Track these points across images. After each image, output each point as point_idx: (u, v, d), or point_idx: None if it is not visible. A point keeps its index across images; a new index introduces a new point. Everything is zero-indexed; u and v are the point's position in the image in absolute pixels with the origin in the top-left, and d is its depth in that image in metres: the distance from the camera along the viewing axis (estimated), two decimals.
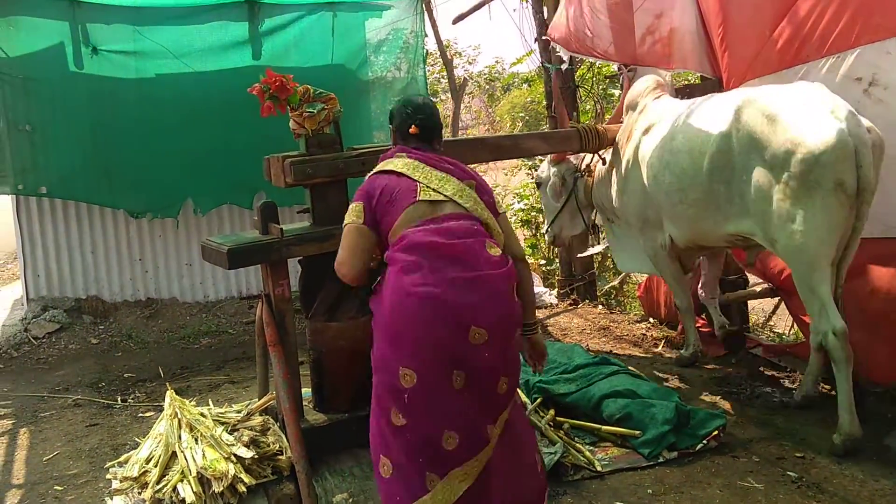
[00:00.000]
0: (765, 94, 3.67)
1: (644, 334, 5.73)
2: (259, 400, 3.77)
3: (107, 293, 6.99)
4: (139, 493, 3.31)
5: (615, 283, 7.31)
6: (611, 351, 5.36)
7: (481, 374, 2.44)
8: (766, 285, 4.98)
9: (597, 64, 7.01)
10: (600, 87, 7.58)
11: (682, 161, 4.00)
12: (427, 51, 8.02)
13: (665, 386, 4.38)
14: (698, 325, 5.21)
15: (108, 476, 3.65)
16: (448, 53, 10.43)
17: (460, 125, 12.15)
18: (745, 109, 3.65)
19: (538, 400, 4.09)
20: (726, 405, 4.21)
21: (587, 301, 6.87)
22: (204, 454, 3.28)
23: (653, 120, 4.45)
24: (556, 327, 6.17)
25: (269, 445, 3.41)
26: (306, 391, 3.80)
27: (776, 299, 5.64)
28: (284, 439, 3.39)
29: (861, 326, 3.82)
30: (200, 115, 6.63)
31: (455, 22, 8.11)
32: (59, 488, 3.72)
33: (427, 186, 2.60)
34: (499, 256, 2.54)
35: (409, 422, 2.41)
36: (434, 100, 12.13)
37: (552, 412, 3.99)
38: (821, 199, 3.34)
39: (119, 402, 4.93)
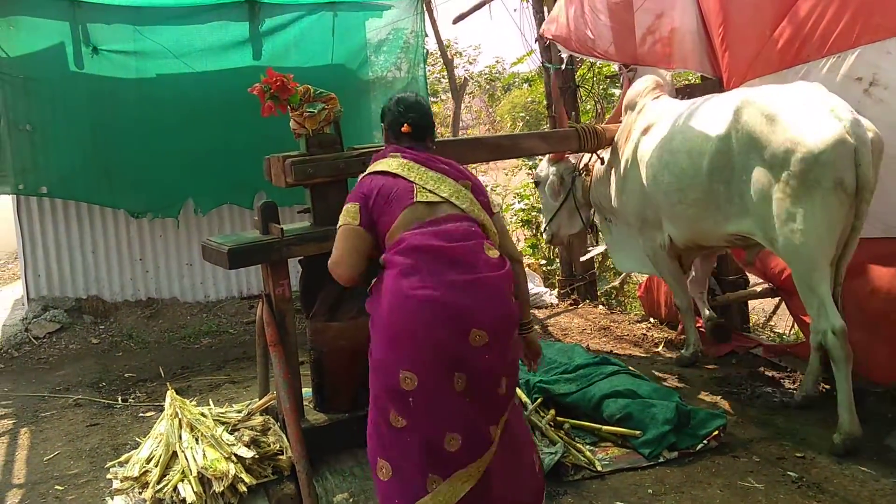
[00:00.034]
0: (764, 95, 3.68)
1: (644, 334, 5.73)
2: (259, 400, 3.77)
3: (107, 293, 7.00)
4: (140, 493, 3.31)
5: (616, 283, 7.31)
6: (611, 351, 5.36)
7: (482, 375, 2.44)
8: (766, 285, 4.98)
9: (597, 64, 7.01)
10: (601, 86, 7.57)
11: (681, 161, 4.01)
12: (427, 51, 8.02)
13: (665, 386, 4.38)
14: (698, 325, 5.21)
15: (109, 476, 3.65)
16: (448, 53, 10.43)
17: (461, 125, 12.15)
18: (744, 109, 3.66)
19: (539, 400, 4.09)
20: (727, 405, 4.21)
21: (588, 301, 6.87)
22: (204, 454, 3.28)
23: (652, 120, 4.45)
24: (556, 327, 6.17)
25: (269, 445, 3.41)
26: (307, 391, 3.80)
27: (777, 299, 5.64)
28: (285, 439, 3.39)
29: (861, 326, 3.82)
30: (201, 114, 6.63)
31: (455, 22, 8.12)
32: (60, 488, 3.72)
33: (423, 188, 2.58)
34: (497, 258, 2.55)
35: (409, 424, 2.41)
36: (434, 100, 12.19)
37: (553, 412, 3.99)
38: (820, 198, 3.35)
39: (120, 401, 4.93)
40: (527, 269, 7.46)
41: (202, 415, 3.64)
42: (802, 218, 3.40)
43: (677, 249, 4.47)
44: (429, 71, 10.23)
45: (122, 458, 3.72)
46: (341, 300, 3.53)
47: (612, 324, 6.09)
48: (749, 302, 5.59)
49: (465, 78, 13.08)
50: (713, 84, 4.85)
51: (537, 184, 5.59)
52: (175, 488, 3.19)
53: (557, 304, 6.88)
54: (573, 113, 6.50)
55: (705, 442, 3.66)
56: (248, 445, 3.34)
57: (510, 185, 10.82)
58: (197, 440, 3.40)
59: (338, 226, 2.64)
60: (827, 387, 4.07)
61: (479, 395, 2.44)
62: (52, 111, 6.38)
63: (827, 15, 3.96)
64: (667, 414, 3.69)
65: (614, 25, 5.30)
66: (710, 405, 4.19)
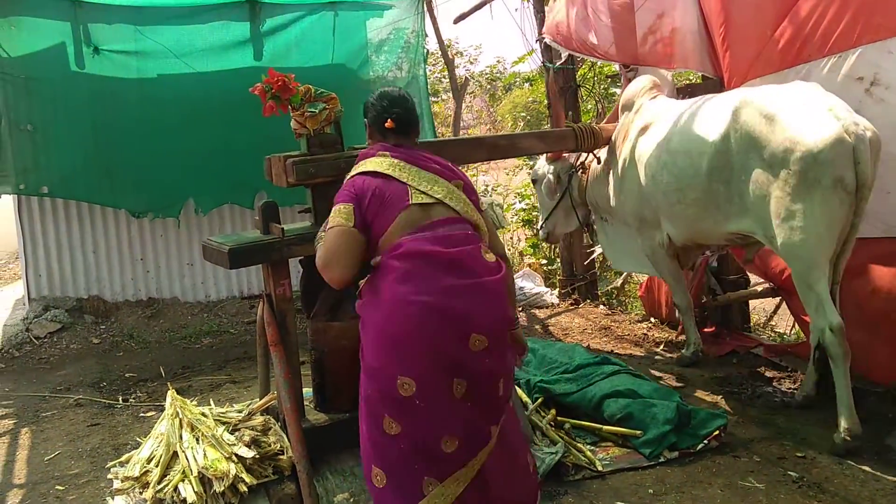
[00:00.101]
0: (762, 94, 3.70)
1: (645, 334, 5.73)
2: (260, 400, 3.77)
3: (108, 293, 7.00)
4: (140, 493, 3.31)
5: (617, 283, 7.30)
6: (612, 351, 5.36)
7: (482, 379, 2.44)
8: (767, 285, 4.98)
9: (598, 63, 7.01)
10: (602, 86, 7.57)
11: (680, 161, 4.02)
12: (428, 50, 8.02)
13: (666, 386, 4.38)
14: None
15: (110, 476, 3.65)
16: (449, 53, 10.42)
17: (462, 125, 12.15)
18: (742, 110, 3.67)
19: (539, 400, 4.09)
20: (727, 405, 4.21)
21: (588, 301, 6.87)
22: (205, 454, 3.28)
23: (649, 120, 4.46)
24: (557, 327, 6.17)
25: (270, 445, 3.41)
26: (307, 391, 3.80)
27: (777, 299, 5.64)
28: (286, 439, 3.39)
29: (862, 326, 3.83)
30: (202, 114, 6.63)
31: (456, 21, 8.11)
32: (61, 488, 3.72)
33: (417, 189, 2.54)
34: (494, 262, 2.55)
35: (404, 430, 2.40)
36: (435, 99, 12.17)
37: (553, 412, 3.99)
38: (820, 196, 3.37)
39: (120, 401, 4.94)
40: (528, 269, 7.55)
41: (203, 415, 3.64)
42: (802, 216, 3.42)
43: (676, 248, 4.48)
44: (429, 71, 10.23)
45: (123, 458, 3.72)
46: (342, 300, 3.53)
47: (612, 323, 6.09)
48: (750, 301, 5.59)
49: (465, 78, 13.07)
50: (714, 84, 4.85)
51: (534, 182, 5.63)
52: (176, 488, 3.19)
53: (558, 304, 6.88)
54: (570, 113, 6.49)
55: (706, 442, 3.66)
56: (248, 445, 3.34)
57: (511, 184, 10.82)
58: (198, 440, 3.40)
59: (329, 226, 2.54)
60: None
61: (479, 398, 2.44)
62: (53, 111, 6.39)
63: (828, 15, 3.97)
64: (667, 414, 3.70)
65: (615, 26, 5.30)
66: (710, 405, 4.19)
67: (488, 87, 17.17)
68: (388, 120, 2.69)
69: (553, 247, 7.85)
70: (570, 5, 5.61)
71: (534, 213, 8.49)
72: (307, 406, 3.67)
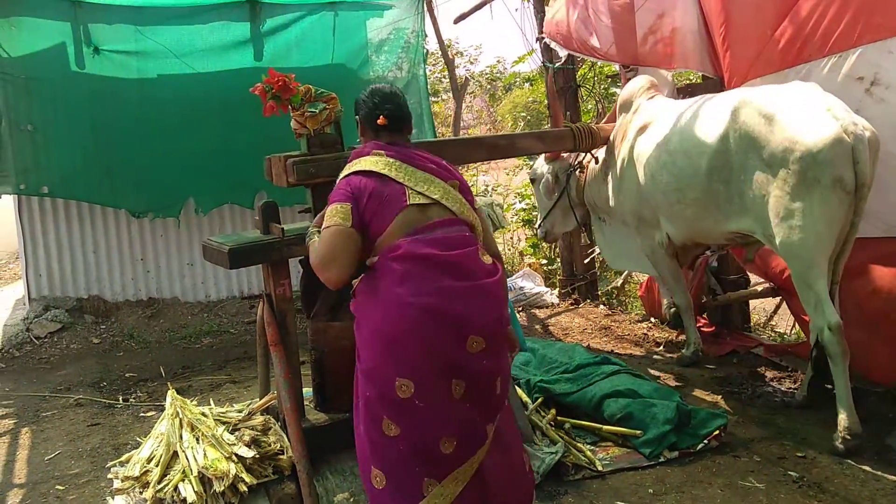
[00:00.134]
0: (761, 95, 3.72)
1: (645, 334, 5.73)
2: (260, 399, 3.77)
3: (108, 293, 7.00)
4: (140, 493, 3.31)
5: (617, 282, 7.30)
6: (612, 350, 5.36)
7: (480, 380, 2.45)
8: (767, 285, 4.98)
9: (598, 63, 7.01)
10: (601, 86, 7.57)
11: (679, 161, 4.03)
12: (428, 50, 8.03)
13: (666, 385, 4.38)
14: (699, 324, 5.22)
15: (110, 475, 3.66)
16: (449, 53, 10.42)
17: (462, 125, 12.15)
18: (741, 110, 3.68)
19: (539, 399, 4.09)
20: (727, 405, 4.21)
21: (588, 301, 6.87)
22: (205, 454, 3.28)
23: (647, 119, 4.47)
24: (557, 327, 6.17)
25: (270, 445, 3.41)
26: (308, 391, 3.80)
27: (777, 299, 5.64)
28: (286, 439, 3.39)
29: (862, 326, 3.83)
30: (202, 114, 6.64)
31: (456, 21, 8.11)
32: (61, 488, 3.72)
33: (414, 190, 2.52)
34: (491, 264, 2.55)
35: (403, 431, 2.40)
36: (435, 99, 12.16)
37: (553, 412, 3.99)
38: (819, 195, 3.38)
39: (120, 401, 4.94)
40: (528, 269, 7.55)
41: (203, 414, 3.64)
42: (801, 215, 3.43)
43: (675, 247, 4.49)
44: (430, 71, 10.23)
45: (123, 458, 3.73)
46: (343, 300, 3.52)
47: (612, 323, 6.09)
48: (750, 301, 5.59)
49: (466, 78, 13.06)
50: (715, 84, 4.85)
51: (533, 181, 5.65)
52: (176, 488, 3.19)
53: (558, 304, 6.88)
54: (568, 113, 6.49)
55: (706, 442, 3.66)
56: (248, 445, 3.34)
57: (511, 184, 10.82)
58: (198, 440, 3.40)
59: (325, 225, 2.49)
60: (829, 386, 4.07)
61: (477, 398, 2.45)
62: (53, 111, 6.39)
63: (828, 15, 3.97)
64: (667, 413, 3.70)
65: (616, 26, 5.31)
66: (710, 405, 4.19)
67: (488, 87, 17.16)
68: (381, 117, 2.66)
69: (553, 246, 7.86)
70: (570, 6, 5.61)
71: (534, 213, 8.48)
72: (307, 406, 3.67)
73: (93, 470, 3.90)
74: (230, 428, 3.51)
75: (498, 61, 17.67)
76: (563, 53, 6.00)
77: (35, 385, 5.42)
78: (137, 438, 4.08)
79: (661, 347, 5.39)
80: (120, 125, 6.53)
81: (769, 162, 3.52)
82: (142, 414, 4.70)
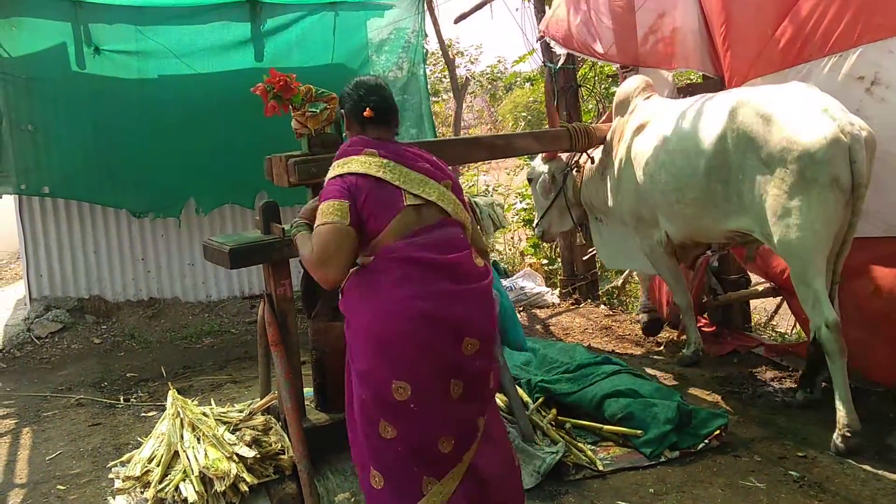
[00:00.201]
0: (759, 95, 3.74)
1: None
2: (261, 399, 3.78)
3: (109, 293, 7.01)
4: (141, 493, 3.32)
5: (617, 282, 7.30)
6: (613, 350, 5.36)
7: (476, 379, 2.48)
8: (768, 285, 4.98)
9: (598, 63, 7.01)
10: (602, 86, 7.57)
11: (678, 161, 4.04)
12: (428, 50, 8.03)
13: (667, 385, 4.38)
14: (700, 324, 5.22)
15: (111, 475, 3.67)
16: (450, 53, 10.42)
17: (462, 125, 12.13)
18: (739, 110, 3.71)
19: (540, 399, 4.09)
20: (728, 405, 4.21)
21: (589, 300, 6.87)
22: (206, 453, 3.29)
23: (645, 119, 4.48)
24: (558, 327, 6.17)
25: (271, 445, 3.41)
26: (308, 391, 3.80)
27: (778, 299, 5.63)
28: (286, 439, 3.40)
29: (862, 326, 3.84)
30: (202, 114, 6.65)
31: (457, 21, 8.11)
32: (62, 487, 3.73)
33: (410, 193, 2.48)
34: (483, 267, 2.56)
35: (400, 433, 2.40)
36: (436, 99, 12.16)
37: (554, 411, 4.00)
38: (816, 194, 3.41)
39: (121, 401, 4.94)
40: (529, 269, 7.55)
41: (204, 414, 3.64)
42: (799, 214, 3.45)
43: (674, 246, 4.50)
44: (430, 70, 10.23)
45: (124, 458, 3.73)
46: None
47: (613, 323, 6.09)
48: (751, 301, 5.59)
49: (466, 77, 13.05)
50: (715, 83, 4.86)
51: (530, 181, 5.66)
52: (177, 488, 3.19)
53: (559, 304, 6.88)
54: (566, 113, 6.50)
55: (707, 441, 3.66)
56: (249, 445, 3.34)
57: (512, 184, 10.81)
58: (198, 440, 3.40)
59: (319, 223, 2.41)
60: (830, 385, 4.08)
61: (472, 396, 2.47)
62: (54, 111, 6.40)
63: (828, 14, 3.97)
64: (668, 413, 3.70)
65: (616, 27, 5.31)
66: (711, 405, 4.19)
67: (489, 86, 17.17)
68: (367, 109, 2.59)
69: (554, 246, 7.86)
70: (571, 6, 5.61)
71: (534, 213, 8.48)
72: (308, 406, 3.67)
73: (94, 470, 3.90)
74: (231, 428, 3.51)
75: (499, 61, 17.70)
76: (562, 52, 6.01)
77: (36, 385, 5.42)
78: (138, 438, 4.08)
79: (662, 347, 5.39)
80: (121, 125, 6.54)
81: (767, 161, 3.55)
82: (143, 414, 4.70)
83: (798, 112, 3.50)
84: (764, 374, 4.64)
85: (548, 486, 3.37)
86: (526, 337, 5.25)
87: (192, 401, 4.04)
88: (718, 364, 4.89)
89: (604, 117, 5.25)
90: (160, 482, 3.25)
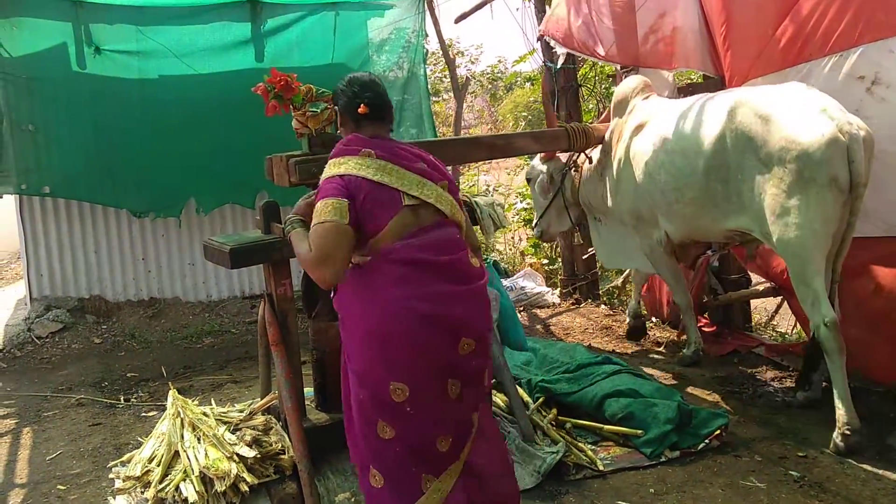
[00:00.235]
0: (757, 95, 3.76)
1: (646, 334, 5.73)
2: (261, 399, 3.78)
3: (110, 293, 7.01)
4: (142, 493, 3.32)
5: (617, 282, 7.30)
6: (613, 350, 5.36)
7: (472, 377, 2.49)
8: (768, 285, 4.98)
9: (599, 63, 7.01)
10: (603, 86, 7.57)
11: (677, 161, 4.06)
12: (429, 50, 8.03)
13: (667, 385, 4.38)
14: (700, 324, 5.22)
15: (111, 475, 3.67)
16: (450, 53, 10.42)
17: (463, 124, 12.13)
18: (738, 110, 3.73)
19: (540, 399, 4.09)
20: (728, 404, 4.21)
21: (589, 300, 6.87)
22: (206, 453, 3.29)
23: (643, 119, 4.48)
24: (558, 326, 6.17)
25: (271, 445, 3.41)
26: (309, 391, 3.80)
27: (779, 299, 5.63)
28: (287, 439, 3.40)
29: (863, 326, 3.84)
30: (203, 114, 6.65)
31: (457, 21, 8.11)
32: (62, 487, 3.73)
33: (407, 194, 2.46)
34: (478, 268, 2.57)
35: (399, 434, 2.40)
36: (436, 99, 12.16)
37: (554, 411, 4.00)
38: (815, 193, 3.42)
39: (122, 401, 4.94)
40: (529, 269, 7.55)
41: (204, 414, 3.65)
42: (797, 213, 3.47)
43: (674, 246, 4.52)
44: (430, 70, 10.22)
45: (125, 458, 3.73)
46: None
47: (614, 323, 6.09)
48: (751, 301, 5.59)
49: (467, 77, 13.05)
50: (716, 83, 4.86)
51: (529, 181, 5.67)
52: (177, 488, 3.20)
53: (559, 304, 6.88)
54: (562, 113, 6.50)
55: (707, 441, 3.66)
56: (249, 445, 3.34)
57: (512, 184, 10.82)
58: (199, 440, 3.40)
59: (317, 222, 2.36)
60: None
61: (469, 394, 2.49)
62: (54, 111, 6.40)
63: (829, 13, 3.97)
64: (668, 413, 3.70)
65: (617, 28, 5.31)
66: (711, 404, 4.19)
67: (489, 86, 17.17)
68: (361, 105, 2.56)
69: (554, 246, 7.86)
70: (572, 6, 5.61)
71: (534, 213, 8.48)
72: (308, 406, 3.67)
73: (94, 470, 3.90)
74: (231, 428, 3.52)
75: (499, 61, 17.69)
76: (562, 52, 6.01)
77: (36, 385, 5.42)
78: (139, 438, 4.08)
79: (663, 347, 5.39)
80: (121, 125, 6.53)
81: (766, 161, 3.57)
82: (143, 414, 4.70)
83: (797, 112, 3.52)
84: (764, 374, 4.64)
85: (548, 485, 3.37)
86: (526, 337, 5.27)
87: (193, 401, 4.04)
88: (719, 364, 4.89)
89: (602, 117, 5.25)
90: (160, 482, 3.26)
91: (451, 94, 10.72)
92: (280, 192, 4.20)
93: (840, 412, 3.50)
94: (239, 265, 3.49)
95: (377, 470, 2.45)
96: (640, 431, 3.70)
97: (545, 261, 8.12)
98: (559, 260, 7.60)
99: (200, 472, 3.20)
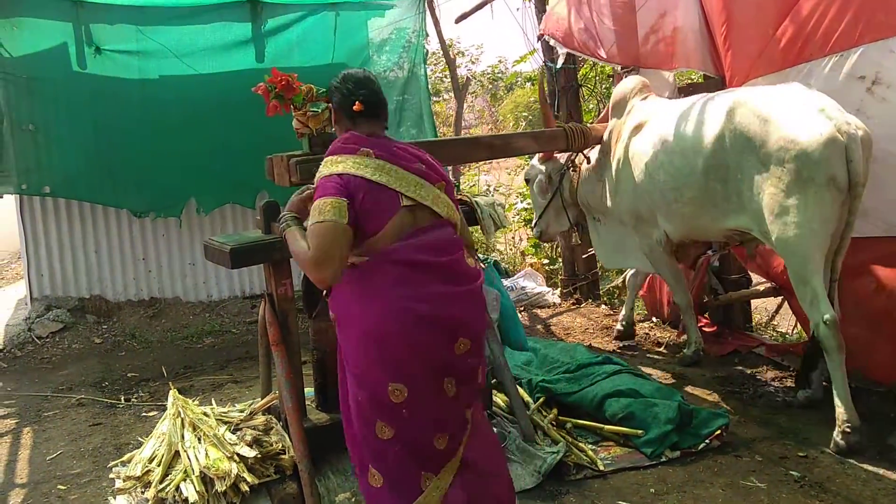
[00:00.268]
0: (756, 95, 3.78)
1: (647, 334, 5.73)
2: (262, 399, 3.78)
3: (110, 293, 7.01)
4: (142, 493, 3.32)
5: (618, 282, 7.30)
6: (613, 350, 5.36)
7: (467, 376, 2.51)
8: (769, 285, 4.98)
9: (599, 63, 7.01)
10: (603, 85, 7.57)
11: (676, 161, 4.07)
12: (429, 50, 8.03)
13: (667, 385, 4.38)
14: (701, 324, 5.22)
15: (112, 475, 3.67)
16: (451, 53, 10.42)
17: (463, 124, 12.14)
18: (737, 110, 3.75)
19: (541, 399, 4.10)
20: (729, 404, 4.21)
21: (590, 300, 6.87)
22: (207, 453, 3.29)
23: (642, 119, 4.49)
24: (559, 326, 6.17)
25: (271, 445, 3.41)
26: (309, 391, 3.80)
27: (779, 299, 5.63)
28: (287, 439, 3.40)
29: (863, 325, 3.84)
30: (203, 115, 6.65)
31: (458, 21, 8.11)
32: (63, 487, 3.73)
33: (405, 195, 2.45)
34: (474, 268, 2.57)
35: (397, 434, 2.41)
36: (437, 99, 12.17)
37: (555, 411, 4.00)
38: (813, 193, 3.44)
39: (122, 401, 4.94)
40: (530, 269, 7.54)
41: (204, 414, 3.65)
42: (796, 212, 3.49)
43: (673, 245, 4.53)
44: (431, 70, 10.21)
45: (125, 458, 3.74)
46: None
47: (614, 323, 6.07)
48: (752, 301, 5.59)
49: (467, 77, 13.06)
50: (716, 83, 4.86)
51: (528, 181, 5.68)
52: (177, 488, 3.20)
53: (560, 304, 6.88)
54: (566, 112, 6.50)
55: (707, 441, 3.66)
56: (250, 445, 3.34)
57: (513, 184, 10.82)
58: (199, 440, 3.40)
59: (316, 220, 2.32)
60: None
61: (464, 392, 2.50)
62: (55, 111, 6.40)
63: (829, 13, 3.97)
64: (669, 413, 3.69)
65: (618, 29, 5.31)
66: (712, 404, 4.19)
67: (490, 86, 17.17)
68: (357, 102, 2.53)
69: (555, 246, 7.86)
70: (572, 7, 5.61)
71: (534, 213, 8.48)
72: (309, 406, 3.67)
73: (94, 470, 3.90)
74: (232, 428, 3.52)
75: (499, 61, 17.70)
76: (563, 52, 6.01)
77: (37, 385, 5.42)
78: (139, 438, 4.08)
79: (663, 347, 5.39)
80: (122, 125, 6.53)
81: (765, 161, 3.58)
82: (143, 414, 4.70)
83: (795, 112, 3.54)
84: (765, 374, 4.64)
85: (549, 485, 3.37)
86: (527, 337, 5.27)
87: (193, 401, 4.04)
88: (719, 364, 4.89)
89: (599, 117, 5.26)
90: (161, 482, 3.26)
91: (452, 94, 10.73)
92: (281, 191, 4.18)
93: (840, 410, 3.51)
94: (239, 265, 3.49)
95: (376, 470, 2.45)
96: (640, 431, 3.70)
97: (546, 261, 8.12)
98: (560, 260, 7.60)
99: (201, 471, 3.20)
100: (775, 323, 6.07)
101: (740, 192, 3.76)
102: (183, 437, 3.45)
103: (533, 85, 11.35)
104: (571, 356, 4.64)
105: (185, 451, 3.36)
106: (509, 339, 5.03)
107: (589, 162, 5.02)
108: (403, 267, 2.41)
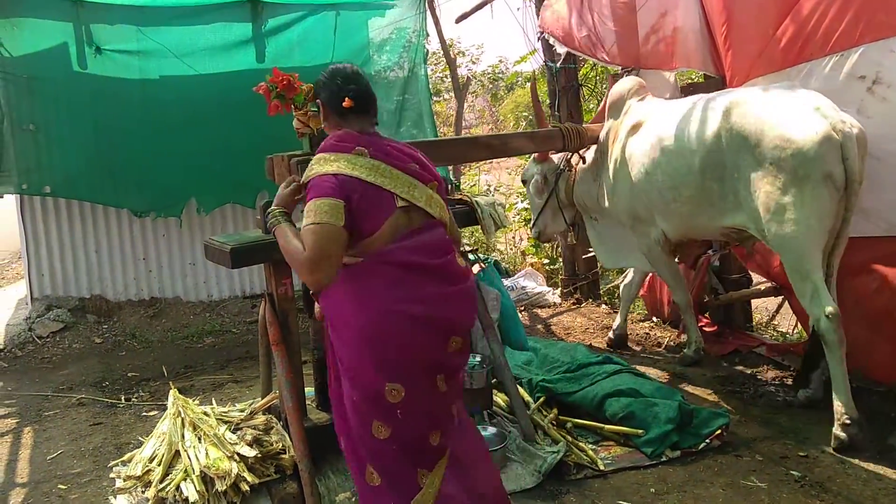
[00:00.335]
0: (752, 95, 3.80)
1: (647, 333, 5.73)
2: (262, 399, 3.78)
3: (111, 292, 7.01)
4: (142, 492, 3.32)
5: (618, 281, 7.30)
6: (614, 350, 5.36)
7: (455, 372, 2.55)
8: (769, 284, 4.98)
9: (599, 63, 7.01)
10: (604, 85, 7.56)
11: (673, 161, 4.09)
12: (429, 50, 8.02)
13: (668, 385, 4.38)
14: (701, 323, 5.22)
15: (112, 475, 3.67)
16: (451, 52, 10.42)
17: (464, 124, 12.13)
18: (733, 110, 3.77)
19: (541, 399, 4.10)
20: (729, 404, 4.21)
21: (590, 300, 6.87)
22: (207, 453, 3.29)
23: (639, 119, 4.50)
24: (559, 326, 6.17)
25: (272, 444, 3.42)
26: (309, 390, 3.80)
27: (779, 298, 5.63)
28: (287, 438, 3.40)
29: (864, 325, 3.83)
30: (203, 114, 6.65)
31: (458, 21, 8.10)
32: (63, 487, 3.73)
33: (400, 197, 2.43)
34: (465, 268, 2.58)
35: (394, 433, 2.41)
36: (437, 99, 12.17)
37: (555, 411, 4.00)
38: (810, 190, 3.47)
39: (123, 401, 4.94)
40: (530, 268, 7.54)
41: (205, 414, 3.65)
42: (793, 209, 3.51)
43: (671, 244, 4.53)
44: (431, 70, 10.22)
45: (125, 457, 3.74)
46: None
47: (614, 323, 6.08)
48: (752, 301, 5.59)
49: (467, 77, 13.06)
50: (716, 83, 4.86)
51: (524, 182, 5.68)
52: (178, 487, 3.20)
53: (560, 303, 6.88)
54: (567, 112, 6.49)
55: (708, 441, 3.66)
56: (250, 444, 3.34)
57: (513, 184, 10.82)
58: (199, 439, 3.41)
59: (312, 222, 2.28)
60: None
61: (452, 388, 2.54)
62: (55, 111, 6.40)
63: (830, 13, 3.97)
64: (669, 413, 3.70)
65: (618, 29, 5.32)
66: (712, 404, 4.19)
67: (490, 86, 17.17)
68: (346, 98, 2.51)
69: (555, 246, 7.86)
70: (572, 7, 5.61)
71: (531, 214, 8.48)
72: (309, 405, 3.68)
73: (95, 469, 3.91)
74: (232, 427, 3.52)
75: (500, 61, 17.68)
76: (562, 50, 6.02)
77: (37, 384, 5.42)
78: (139, 438, 4.09)
79: (663, 347, 5.39)
80: (122, 125, 6.53)
81: (761, 159, 3.61)
82: (144, 413, 4.70)
83: (791, 111, 3.57)
84: (765, 374, 4.64)
85: (549, 485, 3.38)
86: (527, 336, 5.27)
87: (194, 400, 4.05)
88: (720, 364, 4.90)
89: (594, 117, 5.26)
90: (161, 481, 3.26)
91: (452, 93, 10.74)
92: None
93: (838, 404, 3.52)
94: (240, 265, 3.49)
95: (374, 468, 2.46)
96: (640, 431, 3.71)
97: (546, 260, 8.12)
98: (560, 260, 7.60)
99: (201, 471, 3.20)
100: (776, 322, 6.07)
101: (737, 191, 3.78)
102: (183, 436, 3.46)
103: None
104: (572, 356, 4.64)
105: (185, 450, 3.36)
106: (510, 338, 5.03)
107: (584, 162, 5.03)
108: (398, 269, 2.40)
